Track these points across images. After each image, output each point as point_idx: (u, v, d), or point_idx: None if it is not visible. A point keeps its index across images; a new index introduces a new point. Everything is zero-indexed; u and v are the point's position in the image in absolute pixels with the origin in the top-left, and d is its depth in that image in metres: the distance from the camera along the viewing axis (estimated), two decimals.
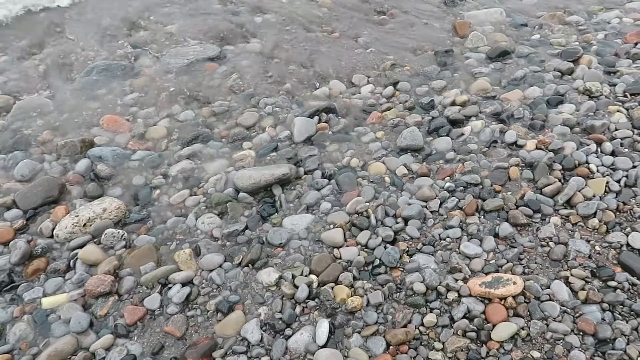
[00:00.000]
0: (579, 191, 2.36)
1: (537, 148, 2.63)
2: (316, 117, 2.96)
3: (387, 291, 2.01)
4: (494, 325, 1.86)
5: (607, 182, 2.40)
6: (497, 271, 2.06)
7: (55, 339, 1.91)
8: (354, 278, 2.06)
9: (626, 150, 2.59)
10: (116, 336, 1.91)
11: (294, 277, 2.07)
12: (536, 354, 1.78)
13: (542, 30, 3.93)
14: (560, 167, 2.50)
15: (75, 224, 2.30)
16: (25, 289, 2.10)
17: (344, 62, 3.64)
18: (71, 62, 3.66)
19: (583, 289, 1.97)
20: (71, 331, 1.92)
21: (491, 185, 2.45)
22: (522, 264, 2.10)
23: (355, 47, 3.85)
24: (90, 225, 2.32)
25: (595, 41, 3.63)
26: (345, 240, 2.23)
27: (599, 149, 2.60)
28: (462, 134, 2.78)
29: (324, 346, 1.83)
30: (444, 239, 2.21)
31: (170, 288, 2.06)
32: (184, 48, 3.82)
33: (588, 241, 2.17)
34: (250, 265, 2.15)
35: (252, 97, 3.24)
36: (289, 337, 1.87)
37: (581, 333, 1.83)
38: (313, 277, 2.07)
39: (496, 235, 2.22)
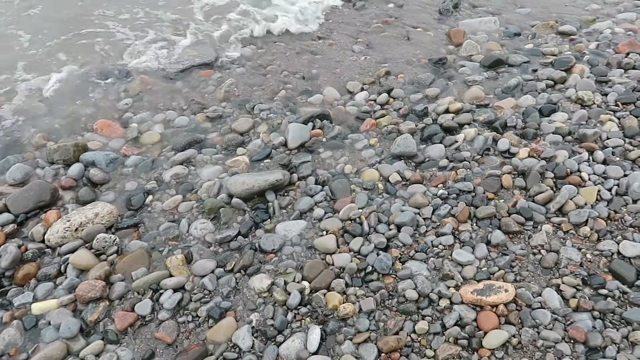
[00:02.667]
0: (571, 199, 2.37)
1: (529, 156, 2.65)
2: (310, 124, 2.97)
3: (379, 298, 2.01)
4: (485, 333, 1.87)
5: (599, 191, 2.41)
6: (489, 278, 2.06)
7: (45, 345, 1.89)
8: (346, 285, 2.06)
9: (617, 159, 2.61)
10: (106, 342, 1.90)
11: (286, 283, 2.07)
12: None
13: (535, 39, 3.96)
14: (552, 175, 2.52)
15: (66, 229, 2.29)
16: (15, 294, 2.08)
17: (339, 70, 3.65)
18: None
19: (574, 297, 1.98)
20: (61, 337, 1.91)
21: (484, 193, 2.46)
22: (513, 272, 2.10)
23: (350, 54, 3.87)
24: (82, 230, 2.31)
25: (587, 51, 3.66)
26: (338, 247, 2.23)
27: (590, 158, 2.62)
28: (456, 142, 2.79)
29: (316, 353, 1.83)
30: (437, 246, 2.21)
31: (161, 294, 2.05)
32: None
33: (579, 249, 2.19)
34: (242, 271, 2.15)
35: (247, 103, 3.25)
36: (281, 343, 1.87)
37: (572, 341, 1.84)
38: (305, 283, 2.07)
39: (488, 243, 2.23)
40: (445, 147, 2.77)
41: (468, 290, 1.99)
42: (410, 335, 1.89)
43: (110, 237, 2.28)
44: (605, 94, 3.10)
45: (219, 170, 2.70)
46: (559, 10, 4.47)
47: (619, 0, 4.62)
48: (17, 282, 2.14)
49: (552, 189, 2.44)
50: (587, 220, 2.28)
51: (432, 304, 1.98)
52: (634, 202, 2.37)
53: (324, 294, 2.02)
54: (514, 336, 1.85)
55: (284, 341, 1.87)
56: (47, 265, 2.21)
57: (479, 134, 2.82)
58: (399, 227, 2.30)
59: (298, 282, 2.07)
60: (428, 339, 1.87)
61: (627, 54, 3.53)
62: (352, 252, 2.20)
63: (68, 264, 2.18)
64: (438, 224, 2.33)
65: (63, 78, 3.50)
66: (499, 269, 2.10)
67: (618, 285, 2.01)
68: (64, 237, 2.28)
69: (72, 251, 2.24)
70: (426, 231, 2.30)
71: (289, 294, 2.01)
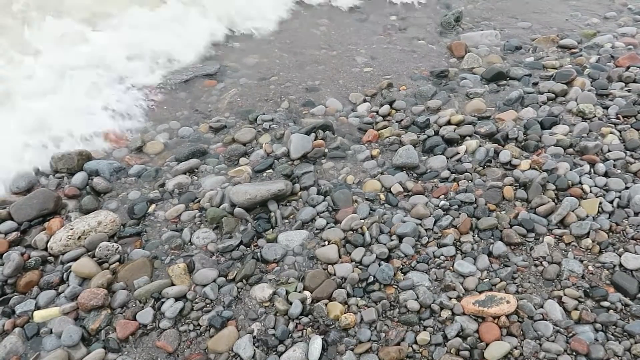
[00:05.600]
0: (573, 211, 2.38)
1: (530, 168, 2.66)
2: (313, 135, 2.99)
3: (381, 308, 2.01)
4: (487, 344, 1.86)
5: (600, 203, 2.42)
6: (490, 290, 2.06)
7: (47, 353, 1.89)
8: (348, 295, 2.06)
9: (619, 171, 2.62)
10: (107, 351, 1.90)
11: (287, 293, 2.07)
12: None
13: (536, 53, 4.00)
14: (553, 187, 2.52)
15: (69, 237, 2.30)
16: (18, 301, 2.08)
17: (342, 81, 3.68)
18: None
19: (576, 309, 1.98)
20: (62, 345, 1.91)
21: (485, 204, 2.46)
22: (515, 283, 2.10)
23: (352, 65, 3.90)
24: (85, 239, 2.32)
25: (588, 64, 3.69)
26: (340, 257, 2.23)
27: (592, 170, 2.63)
28: (457, 153, 2.81)
29: None
30: (438, 257, 2.22)
31: (163, 302, 2.06)
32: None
33: (581, 261, 2.19)
34: (244, 280, 2.15)
35: (250, 114, 3.27)
36: (282, 353, 1.87)
37: (574, 353, 1.83)
38: (307, 293, 2.07)
39: (490, 254, 2.23)
40: (447, 158, 2.79)
41: (470, 301, 1.99)
42: (411, 346, 1.88)
43: (113, 245, 2.29)
44: (606, 107, 3.12)
45: (222, 180, 2.71)
46: (560, 25, 4.51)
47: (619, 15, 4.66)
48: (20, 289, 2.15)
49: (553, 201, 2.45)
50: (588, 232, 2.29)
51: (434, 315, 1.98)
52: (636, 214, 2.37)
53: (326, 304, 2.02)
54: (515, 348, 1.85)
55: (285, 351, 1.87)
56: (49, 273, 2.21)
57: (480, 146, 2.83)
58: (400, 238, 2.30)
59: (299, 292, 2.07)
60: (430, 350, 1.87)
61: (628, 67, 3.55)
62: (353, 263, 2.20)
63: (70, 272, 2.18)
64: (439, 235, 2.33)
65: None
66: (501, 280, 2.10)
67: (620, 298, 2.01)
68: (67, 245, 2.29)
69: (75, 259, 2.25)
70: (428, 242, 2.30)
71: (291, 303, 2.01)
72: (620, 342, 1.86)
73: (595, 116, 3.05)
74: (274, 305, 2.03)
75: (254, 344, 1.90)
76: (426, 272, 2.16)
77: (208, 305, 2.06)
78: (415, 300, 2.02)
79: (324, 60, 3.99)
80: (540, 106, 3.21)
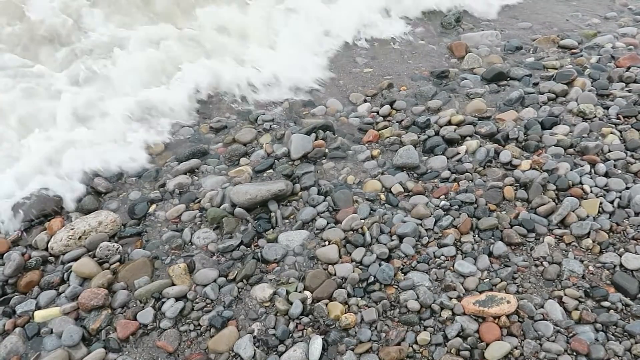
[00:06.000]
0: (573, 211, 2.38)
1: (531, 168, 2.66)
2: (313, 135, 2.99)
3: (381, 308, 2.01)
4: (487, 344, 1.86)
5: (601, 203, 2.42)
6: (491, 290, 2.06)
7: (47, 353, 1.90)
8: (348, 295, 2.06)
9: (619, 171, 2.62)
10: (108, 350, 1.90)
11: (288, 293, 2.07)
12: None
13: (536, 53, 4.00)
14: (554, 187, 2.52)
15: (70, 237, 2.30)
16: (18, 301, 2.09)
17: (342, 81, 3.69)
18: None
19: (576, 309, 1.98)
20: (63, 345, 1.91)
21: (486, 204, 2.46)
22: (515, 283, 2.10)
23: (353, 65, 3.90)
24: (86, 239, 2.32)
25: (588, 64, 3.68)
26: (340, 257, 2.24)
27: (592, 170, 2.63)
28: (458, 153, 2.81)
29: None
30: (439, 257, 2.22)
31: (163, 302, 2.06)
32: None
33: (582, 261, 2.19)
34: (244, 280, 2.15)
35: (250, 114, 3.28)
36: (282, 353, 1.87)
37: (574, 353, 1.83)
38: (307, 293, 2.07)
39: (490, 254, 2.23)
40: (447, 158, 2.79)
41: (470, 301, 1.99)
42: (412, 346, 1.88)
43: (114, 245, 2.29)
44: (607, 107, 3.12)
45: (222, 180, 2.72)
46: (560, 25, 4.51)
47: (619, 15, 4.66)
48: (20, 289, 2.15)
49: (554, 201, 2.45)
50: (589, 233, 2.29)
51: (434, 315, 1.98)
52: (636, 214, 2.37)
53: (326, 304, 2.02)
54: (516, 348, 1.85)
55: (285, 351, 1.87)
56: (50, 273, 2.22)
57: (480, 146, 2.83)
58: (400, 238, 2.30)
59: (300, 292, 2.08)
60: (430, 350, 1.87)
61: (628, 67, 3.55)
62: (354, 263, 2.20)
63: (71, 272, 2.19)
64: (440, 235, 2.33)
65: None
66: (501, 281, 2.10)
67: (620, 298, 2.01)
68: (68, 245, 2.30)
69: (75, 259, 2.25)
70: (428, 242, 2.30)
71: (291, 303, 2.02)
72: (620, 342, 1.86)
73: (595, 116, 3.05)
74: (274, 305, 2.03)
75: (254, 344, 1.90)
76: (426, 272, 2.16)
77: (208, 305, 2.06)
78: (416, 300, 2.02)
79: None
80: (541, 106, 3.20)
